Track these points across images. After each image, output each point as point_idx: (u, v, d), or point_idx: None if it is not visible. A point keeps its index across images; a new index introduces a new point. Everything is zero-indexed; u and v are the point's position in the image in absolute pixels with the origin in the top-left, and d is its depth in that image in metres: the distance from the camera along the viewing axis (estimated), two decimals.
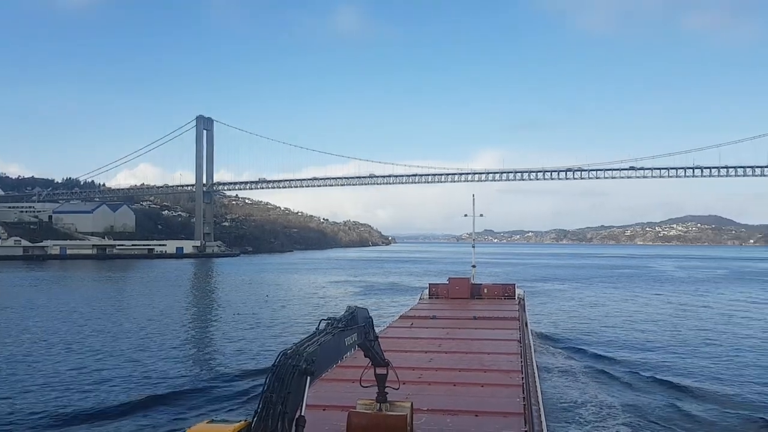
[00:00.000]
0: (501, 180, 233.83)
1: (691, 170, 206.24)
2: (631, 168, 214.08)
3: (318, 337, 10.04)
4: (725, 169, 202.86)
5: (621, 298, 79.75)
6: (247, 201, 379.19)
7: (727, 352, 42.48)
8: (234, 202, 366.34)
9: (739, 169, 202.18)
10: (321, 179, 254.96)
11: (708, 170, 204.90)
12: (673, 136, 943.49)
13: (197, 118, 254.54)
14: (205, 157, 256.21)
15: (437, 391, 17.93)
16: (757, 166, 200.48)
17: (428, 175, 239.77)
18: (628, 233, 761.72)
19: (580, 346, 44.00)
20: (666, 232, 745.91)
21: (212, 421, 9.28)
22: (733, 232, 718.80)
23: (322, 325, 10.73)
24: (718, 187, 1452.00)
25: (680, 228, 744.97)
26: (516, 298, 47.52)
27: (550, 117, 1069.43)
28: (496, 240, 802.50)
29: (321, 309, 63.37)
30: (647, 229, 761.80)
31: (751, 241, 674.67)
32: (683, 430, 25.36)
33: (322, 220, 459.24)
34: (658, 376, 34.29)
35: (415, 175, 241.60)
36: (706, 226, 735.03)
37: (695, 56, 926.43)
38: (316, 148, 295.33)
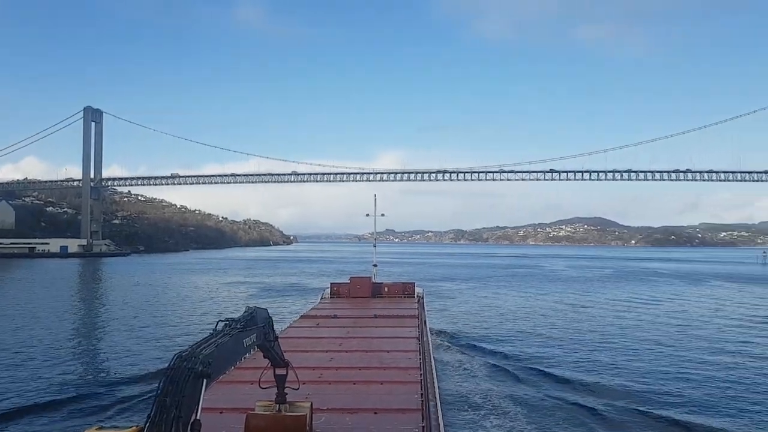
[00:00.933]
0: (402, 180, 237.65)
1: (580, 174, 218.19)
2: (525, 171, 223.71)
3: (215, 339, 9.75)
4: (611, 173, 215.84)
5: (516, 297, 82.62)
6: (140, 198, 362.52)
7: (614, 346, 44.93)
8: (126, 199, 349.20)
9: (624, 174, 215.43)
10: (219, 176, 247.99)
11: (596, 174, 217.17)
12: (564, 140, 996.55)
13: (85, 109, 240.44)
14: (93, 151, 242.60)
15: (337, 390, 17.97)
16: (639, 171, 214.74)
17: (330, 174, 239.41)
18: (521, 234, 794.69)
19: (476, 343, 45.32)
20: (556, 233, 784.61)
21: (102, 428, 8.84)
22: (617, 233, 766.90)
23: (220, 327, 10.44)
24: (603, 191, 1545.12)
25: (569, 229, 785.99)
26: (415, 296, 48.31)
27: (451, 120, 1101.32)
28: (397, 239, 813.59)
29: (217, 311, 61.40)
30: (539, 229, 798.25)
31: (633, 241, 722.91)
32: (570, 420, 26.83)
33: (220, 219, 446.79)
34: (548, 370, 35.97)
35: (317, 174, 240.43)
36: (592, 228, 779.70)
37: (588, 65, 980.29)
38: (216, 144, 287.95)
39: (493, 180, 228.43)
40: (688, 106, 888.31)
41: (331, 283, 50.45)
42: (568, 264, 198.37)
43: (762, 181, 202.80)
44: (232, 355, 10.27)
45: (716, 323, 57.14)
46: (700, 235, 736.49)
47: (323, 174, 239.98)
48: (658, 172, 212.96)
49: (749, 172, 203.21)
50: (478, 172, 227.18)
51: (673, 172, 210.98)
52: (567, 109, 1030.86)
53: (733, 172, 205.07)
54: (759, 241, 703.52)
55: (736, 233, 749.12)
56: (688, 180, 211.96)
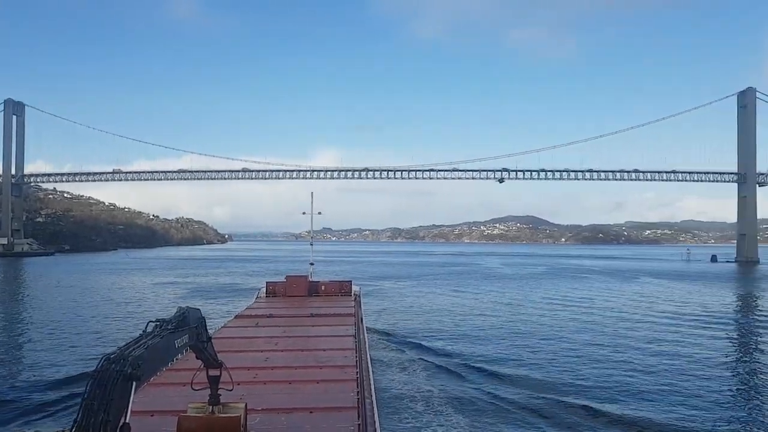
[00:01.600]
0: (340, 178, 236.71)
1: (514, 173, 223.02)
2: (459, 170, 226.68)
3: (145, 340, 9.50)
4: (543, 173, 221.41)
5: (453, 295, 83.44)
6: (66, 195, 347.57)
7: (549, 342, 46.16)
8: (51, 196, 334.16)
9: (555, 173, 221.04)
10: (150, 173, 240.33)
11: (529, 173, 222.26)
12: (497, 140, 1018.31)
13: (5, 101, 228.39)
14: (14, 145, 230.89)
15: (273, 390, 17.78)
16: (570, 170, 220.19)
17: (267, 171, 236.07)
18: (456, 232, 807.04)
19: (413, 340, 45.84)
20: (490, 231, 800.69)
21: None
22: (548, 231, 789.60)
23: (150, 328, 10.19)
24: (535, 190, 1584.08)
25: (502, 227, 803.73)
26: (352, 295, 48.31)
27: (388, 119, 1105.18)
28: (334, 238, 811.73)
29: (146, 312, 59.20)
30: (473, 228, 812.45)
31: (563, 239, 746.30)
32: (503, 415, 27.55)
33: (151, 217, 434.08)
34: (485, 366, 36.74)
35: (253, 171, 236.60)
36: (525, 226, 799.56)
37: (521, 67, 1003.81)
38: (147, 140, 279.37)
39: (430, 179, 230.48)
40: (618, 108, 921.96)
41: (267, 282, 49.78)
42: (503, 262, 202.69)
43: (684, 180, 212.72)
44: (163, 357, 10.03)
45: (648, 320, 59.04)
46: (626, 233, 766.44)
47: (260, 171, 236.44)
48: (587, 171, 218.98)
49: (673, 172, 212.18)
50: (415, 171, 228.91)
51: (602, 171, 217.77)
52: (500, 110, 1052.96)
53: (658, 172, 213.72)
54: (681, 238, 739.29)
55: (659, 231, 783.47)
56: (615, 180, 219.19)
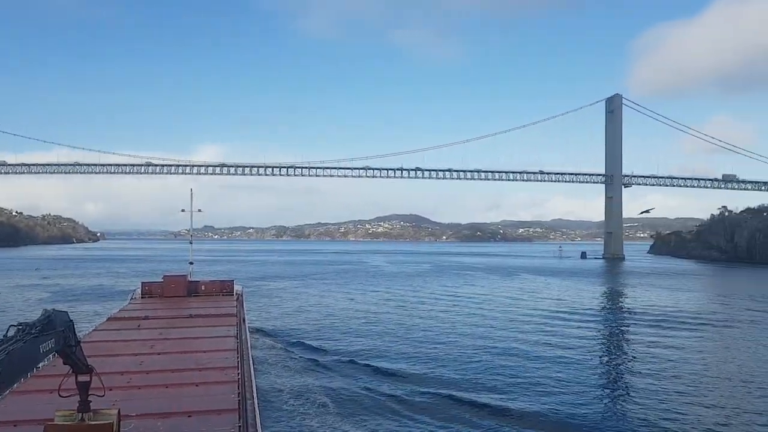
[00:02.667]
0: (223, 174, 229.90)
1: (399, 171, 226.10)
2: (346, 168, 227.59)
3: (5, 346, 8.94)
4: (427, 172, 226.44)
5: (340, 293, 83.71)
6: None
7: (433, 338, 47.50)
8: None
9: (438, 173, 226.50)
10: (12, 165, 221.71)
11: (414, 172, 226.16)
12: (383, 139, 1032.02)
13: None
14: None
15: (149, 395, 17.27)
16: (452, 170, 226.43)
17: (143, 165, 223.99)
18: (342, 230, 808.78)
19: (298, 340, 45.88)
20: (375, 229, 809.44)
21: None
22: (430, 229, 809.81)
23: (12, 332, 9.58)
24: (418, 189, 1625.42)
25: (387, 225, 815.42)
26: (234, 294, 47.43)
27: (274, 115, 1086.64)
28: (216, 236, 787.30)
29: (6, 317, 54.60)
30: (359, 226, 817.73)
31: (444, 237, 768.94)
32: (382, 408, 28.34)
33: (14, 214, 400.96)
34: (367, 363, 37.54)
35: (128, 165, 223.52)
36: (408, 224, 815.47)
37: (408, 68, 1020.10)
38: (10, 130, 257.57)
39: (317, 176, 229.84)
40: (499, 110, 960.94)
41: (142, 283, 47.70)
42: (389, 260, 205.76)
43: (557, 181, 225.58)
44: (26, 363, 9.48)
45: (529, 315, 62.13)
46: (501, 231, 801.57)
47: (135, 165, 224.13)
48: (469, 171, 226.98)
49: (547, 173, 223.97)
50: (302, 168, 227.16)
51: (482, 171, 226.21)
52: (387, 110, 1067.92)
53: (532, 173, 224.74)
54: (551, 236, 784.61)
55: (531, 230, 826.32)
56: (494, 180, 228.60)
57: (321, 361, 38.15)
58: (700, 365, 37.58)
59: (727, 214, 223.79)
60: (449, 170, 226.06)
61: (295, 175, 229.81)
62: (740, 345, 44.95)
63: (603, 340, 48.44)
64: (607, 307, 72.08)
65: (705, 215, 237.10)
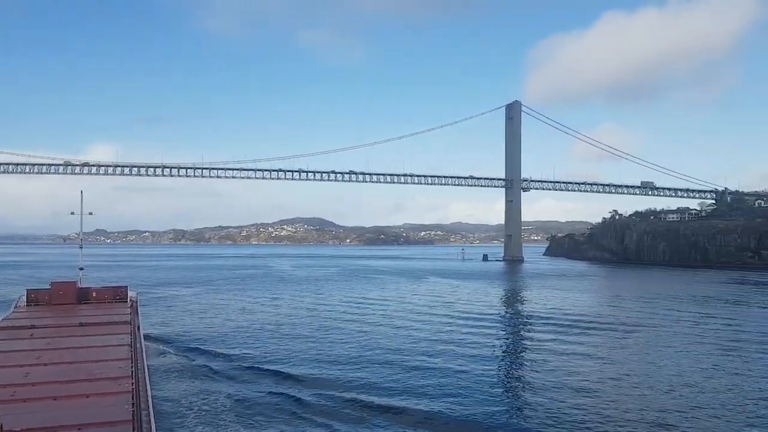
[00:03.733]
0: (116, 175, 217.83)
1: (304, 173, 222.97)
2: (248, 169, 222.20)
3: None
4: (331, 174, 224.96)
5: (245, 299, 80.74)
6: None
7: (339, 342, 46.74)
8: None
9: (342, 175, 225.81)
10: None
11: (318, 174, 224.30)
12: (292, 141, 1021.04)
13: None
14: None
15: (35, 408, 16.18)
16: (355, 173, 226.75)
17: (27, 165, 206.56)
18: (244, 233, 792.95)
19: (198, 347, 44.10)
20: (278, 233, 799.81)
21: None
22: (334, 232, 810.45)
23: None
24: (322, 192, 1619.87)
25: (290, 228, 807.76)
26: (128, 301, 44.56)
27: (172, 114, 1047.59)
28: (109, 240, 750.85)
29: None
30: (261, 229, 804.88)
31: (348, 240, 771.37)
32: (283, 413, 27.83)
33: None
34: (270, 368, 36.68)
35: (9, 165, 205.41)
36: (312, 228, 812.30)
37: (313, 68, 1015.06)
38: None
39: (218, 177, 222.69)
40: (402, 114, 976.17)
41: (28, 290, 43.82)
42: (295, 264, 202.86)
43: (460, 185, 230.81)
44: None
45: (438, 318, 62.11)
46: (404, 235, 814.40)
47: (17, 165, 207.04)
48: (372, 174, 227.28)
49: (449, 177, 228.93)
50: (202, 169, 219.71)
51: (386, 174, 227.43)
52: (292, 111, 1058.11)
53: (436, 177, 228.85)
54: (452, 239, 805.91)
55: (433, 232, 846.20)
56: (397, 183, 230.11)
57: (221, 369, 36.83)
58: (595, 364, 38.75)
59: (617, 217, 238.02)
60: (352, 172, 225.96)
61: (195, 176, 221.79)
62: (633, 345, 46.60)
63: (508, 342, 49.18)
64: (513, 309, 73.67)
65: (593, 218, 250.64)
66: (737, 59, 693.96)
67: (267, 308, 70.81)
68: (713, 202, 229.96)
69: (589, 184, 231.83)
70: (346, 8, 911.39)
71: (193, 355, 41.23)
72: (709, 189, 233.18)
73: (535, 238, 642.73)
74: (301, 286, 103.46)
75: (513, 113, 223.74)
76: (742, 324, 57.50)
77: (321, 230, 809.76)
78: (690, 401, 29.91)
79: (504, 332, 54.00)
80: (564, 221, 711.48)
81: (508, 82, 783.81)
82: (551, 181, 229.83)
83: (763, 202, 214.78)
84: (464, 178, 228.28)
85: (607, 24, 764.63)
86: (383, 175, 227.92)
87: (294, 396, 30.43)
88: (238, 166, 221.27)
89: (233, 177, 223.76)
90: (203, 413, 27.57)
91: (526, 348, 45.35)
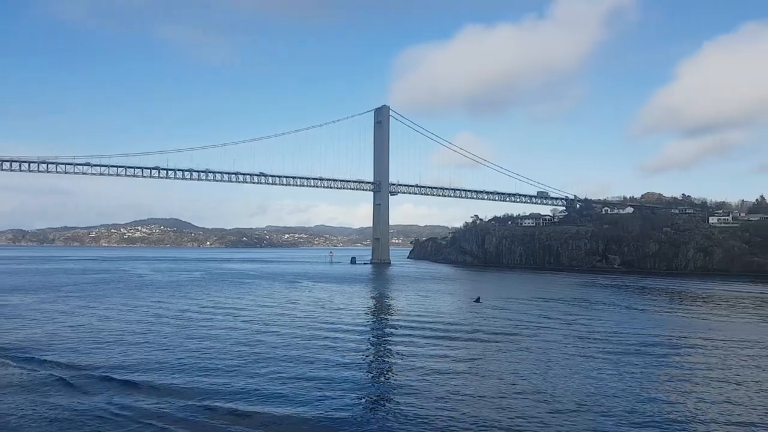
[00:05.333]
0: None
1: (165, 171, 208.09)
2: (101, 165, 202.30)
3: None
4: (192, 173, 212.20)
5: (98, 308, 72.24)
6: None
7: (203, 350, 44.10)
8: None
9: (201, 174, 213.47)
10: None
11: (174, 172, 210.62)
12: (149, 138, 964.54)
13: None
14: None
15: None
16: (211, 171, 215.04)
17: None
18: (93, 234, 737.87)
19: (40, 357, 40.48)
20: (131, 234, 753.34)
21: None
22: (193, 234, 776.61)
23: None
24: (179, 192, 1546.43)
25: (145, 230, 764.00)
26: None
27: (9, 105, 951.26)
28: None
29: None
30: (113, 230, 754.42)
31: (208, 243, 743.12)
32: (132, 424, 26.71)
33: None
34: (122, 378, 34.66)
35: None
36: (169, 229, 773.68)
37: (175, 65, 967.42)
38: None
39: (65, 173, 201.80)
40: (269, 114, 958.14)
41: None
42: (154, 267, 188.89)
43: (330, 188, 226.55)
44: None
45: (311, 322, 59.82)
46: (268, 237, 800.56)
47: None
48: (238, 174, 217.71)
49: (319, 179, 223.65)
50: (47, 163, 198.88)
51: (251, 175, 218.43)
52: (151, 107, 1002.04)
53: (305, 178, 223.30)
54: (316, 242, 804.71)
55: (297, 235, 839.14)
56: (258, 183, 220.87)
57: (66, 379, 34.14)
58: (461, 368, 38.47)
59: (478, 222, 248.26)
60: (208, 171, 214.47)
61: (39, 171, 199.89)
62: (497, 348, 46.30)
63: (383, 348, 47.61)
64: (389, 313, 71.31)
65: (449, 223, 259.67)
66: (583, 77, 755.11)
67: (124, 316, 64.02)
68: (564, 209, 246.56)
69: (454, 189, 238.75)
70: (212, 5, 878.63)
71: (36, 366, 37.69)
72: (561, 197, 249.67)
73: (396, 241, 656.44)
74: (163, 292, 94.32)
75: (382, 117, 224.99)
76: (597, 324, 59.90)
77: (179, 232, 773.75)
78: (545, 404, 30.22)
79: (379, 338, 52.55)
80: (423, 225, 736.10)
81: (375, 89, 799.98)
82: (418, 186, 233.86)
83: (609, 210, 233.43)
84: (333, 180, 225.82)
85: (467, 36, 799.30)
86: (245, 174, 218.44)
87: (146, 407, 28.96)
88: (88, 161, 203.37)
89: (84, 173, 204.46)
90: (43, 427, 26.24)
91: (401, 354, 43.71)
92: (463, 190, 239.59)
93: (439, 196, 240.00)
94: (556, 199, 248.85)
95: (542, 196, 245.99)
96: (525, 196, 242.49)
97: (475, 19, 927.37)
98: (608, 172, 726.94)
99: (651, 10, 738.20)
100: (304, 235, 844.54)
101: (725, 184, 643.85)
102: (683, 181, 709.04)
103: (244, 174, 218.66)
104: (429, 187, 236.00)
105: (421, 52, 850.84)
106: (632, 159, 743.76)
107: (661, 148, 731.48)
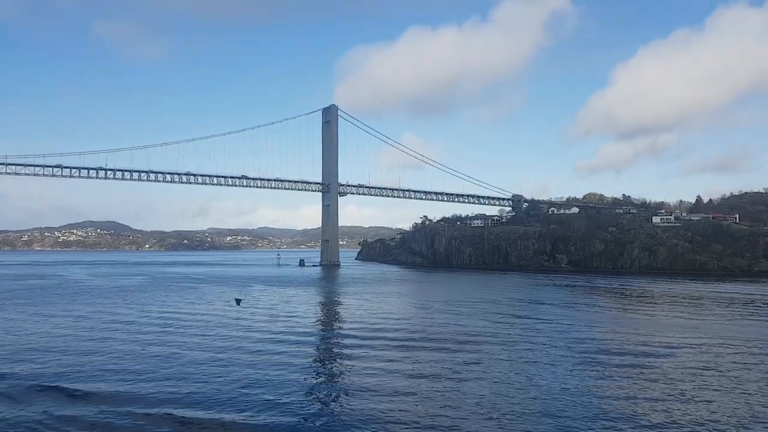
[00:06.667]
0: None
1: (104, 170, 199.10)
2: (33, 165, 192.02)
3: None
4: (131, 173, 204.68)
5: (31, 315, 68.06)
6: None
7: (146, 356, 42.38)
8: None
9: (141, 174, 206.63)
10: None
11: (114, 172, 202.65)
12: (84, 137, 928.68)
13: None
14: None
15: None
16: (153, 171, 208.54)
17: None
18: (25, 238, 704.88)
19: None
20: (66, 237, 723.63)
21: None
22: (131, 237, 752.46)
23: None
24: (116, 193, 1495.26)
25: (80, 233, 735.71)
26: None
27: None
28: None
29: None
30: (46, 234, 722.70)
31: (147, 245, 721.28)
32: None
33: None
34: (55, 385, 33.53)
35: None
36: (105, 232, 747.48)
37: (112, 63, 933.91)
38: None
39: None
40: (210, 114, 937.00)
41: None
42: (93, 272, 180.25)
43: (277, 188, 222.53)
44: None
45: (262, 330, 57.35)
46: (209, 239, 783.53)
47: None
48: (173, 174, 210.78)
49: (266, 179, 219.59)
50: None
51: (190, 174, 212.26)
52: (85, 105, 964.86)
53: (250, 179, 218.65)
54: (259, 244, 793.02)
55: (239, 237, 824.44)
56: (199, 183, 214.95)
57: (2, 390, 32.77)
58: (413, 373, 37.70)
59: (427, 223, 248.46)
60: (150, 171, 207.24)
61: None
62: (453, 351, 45.07)
63: (333, 351, 46.77)
64: (345, 317, 68.75)
65: (393, 224, 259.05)
66: (524, 80, 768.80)
67: (63, 324, 60.24)
68: (511, 209, 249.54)
69: (403, 190, 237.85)
70: (152, 4, 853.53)
71: None
72: (507, 197, 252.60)
73: (341, 243, 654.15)
74: (104, 299, 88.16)
75: (330, 117, 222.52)
76: (555, 327, 59.17)
77: (116, 235, 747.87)
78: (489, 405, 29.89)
79: (333, 342, 51.17)
80: (367, 227, 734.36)
81: (318, 90, 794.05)
82: (367, 186, 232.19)
83: (555, 210, 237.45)
84: (281, 181, 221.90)
85: (411, 38, 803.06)
86: (189, 175, 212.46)
87: (79, 415, 28.11)
88: (19, 161, 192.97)
89: (16, 174, 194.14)
90: None
91: (355, 358, 42.65)
92: (413, 190, 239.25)
93: (388, 196, 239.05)
94: (502, 199, 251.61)
95: (488, 197, 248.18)
96: (473, 196, 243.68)
97: (419, 21, 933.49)
98: (547, 173, 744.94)
99: (589, 16, 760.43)
100: (247, 238, 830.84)
101: (657, 184, 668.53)
102: (617, 181, 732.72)
103: (188, 174, 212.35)
104: (378, 188, 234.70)
105: (365, 54, 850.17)
106: (569, 161, 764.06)
107: (596, 150, 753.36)
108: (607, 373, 37.06)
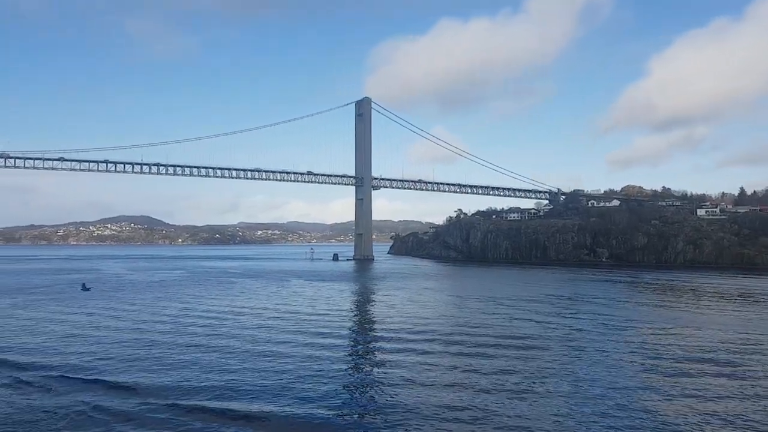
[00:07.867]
0: None
1: (139, 165, 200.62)
2: (73, 160, 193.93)
3: None
4: (166, 167, 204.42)
5: (79, 309, 67.29)
6: None
7: (199, 352, 41.34)
8: None
9: (179, 168, 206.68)
10: None
11: (153, 167, 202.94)
12: (119, 133, 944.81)
13: None
14: None
15: None
16: (188, 166, 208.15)
17: None
18: (60, 233, 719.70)
19: (13, 360, 39.27)
20: (101, 232, 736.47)
21: None
22: (164, 231, 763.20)
23: None
24: (149, 188, 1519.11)
25: (114, 228, 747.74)
26: None
27: None
28: None
29: None
30: (81, 229, 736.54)
31: (180, 240, 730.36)
32: (108, 426, 25.69)
33: None
34: (97, 378, 33.90)
35: None
36: (139, 226, 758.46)
37: (143, 59, 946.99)
38: None
39: (34, 168, 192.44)
40: (239, 109, 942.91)
41: None
42: (129, 266, 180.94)
43: (311, 182, 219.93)
44: None
45: (307, 323, 56.65)
46: (240, 233, 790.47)
47: None
48: (207, 168, 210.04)
49: (300, 174, 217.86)
50: (14, 158, 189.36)
51: (225, 169, 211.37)
52: (117, 101, 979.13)
53: (285, 173, 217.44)
54: (289, 238, 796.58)
55: (270, 231, 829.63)
56: (231, 178, 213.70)
57: (27, 379, 33.70)
58: (454, 369, 36.45)
59: (462, 216, 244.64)
60: (185, 166, 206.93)
61: (6, 167, 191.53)
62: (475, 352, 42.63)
63: (371, 346, 45.41)
64: (378, 313, 66.58)
65: (423, 218, 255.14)
66: (556, 72, 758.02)
67: (108, 318, 59.86)
68: (548, 202, 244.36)
69: (438, 183, 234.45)
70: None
71: (13, 370, 36.48)
72: (543, 190, 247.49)
73: (372, 237, 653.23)
74: (146, 294, 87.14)
75: (363, 110, 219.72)
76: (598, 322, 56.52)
77: (150, 229, 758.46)
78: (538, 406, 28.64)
79: (372, 338, 49.26)
80: (397, 221, 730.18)
81: (349, 83, 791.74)
82: (400, 180, 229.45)
83: (595, 203, 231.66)
84: (315, 174, 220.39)
85: (442, 30, 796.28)
86: (217, 169, 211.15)
87: (122, 408, 28.17)
88: (56, 156, 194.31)
89: (54, 168, 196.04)
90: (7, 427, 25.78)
91: (396, 352, 41.85)
92: (448, 183, 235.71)
93: (422, 190, 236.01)
94: (539, 192, 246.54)
95: (525, 190, 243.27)
96: (509, 189, 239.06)
97: (451, 13, 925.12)
98: (577, 166, 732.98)
99: (624, 6, 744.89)
100: (277, 232, 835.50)
101: (693, 177, 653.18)
102: (653, 174, 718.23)
103: (222, 169, 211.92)
104: (412, 181, 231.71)
105: (396, 46, 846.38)
106: (599, 153, 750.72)
107: (626, 143, 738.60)
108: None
